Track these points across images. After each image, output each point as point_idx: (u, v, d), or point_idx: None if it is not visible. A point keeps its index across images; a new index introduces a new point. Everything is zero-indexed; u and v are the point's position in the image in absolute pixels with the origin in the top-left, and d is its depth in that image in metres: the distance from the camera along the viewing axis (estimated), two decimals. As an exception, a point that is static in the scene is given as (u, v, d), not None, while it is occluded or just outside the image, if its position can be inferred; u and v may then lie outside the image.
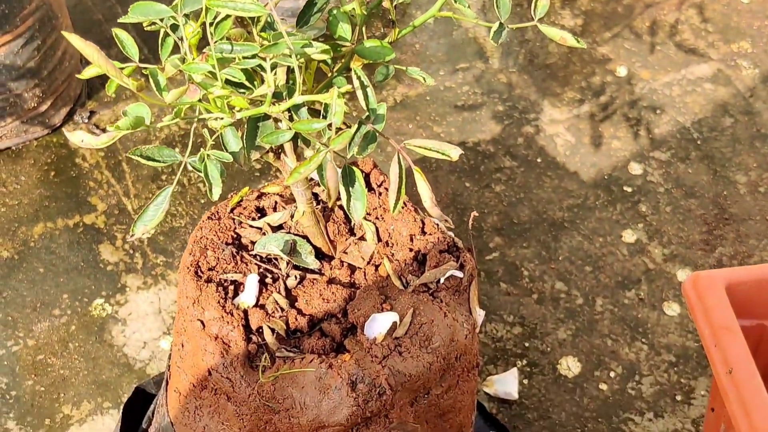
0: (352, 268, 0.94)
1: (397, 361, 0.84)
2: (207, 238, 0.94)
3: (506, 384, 1.23)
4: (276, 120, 0.79)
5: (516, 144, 1.55)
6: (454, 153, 0.75)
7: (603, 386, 1.25)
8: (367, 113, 0.74)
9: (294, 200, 0.98)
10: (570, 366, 1.27)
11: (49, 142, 1.55)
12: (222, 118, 0.75)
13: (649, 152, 1.55)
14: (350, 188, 0.77)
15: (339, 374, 0.83)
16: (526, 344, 1.29)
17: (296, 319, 0.88)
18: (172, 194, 0.78)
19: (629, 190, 1.49)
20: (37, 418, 1.22)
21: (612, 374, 1.26)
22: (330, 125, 0.70)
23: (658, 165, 1.53)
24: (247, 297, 0.89)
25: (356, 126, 0.73)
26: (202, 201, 1.46)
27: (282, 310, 0.89)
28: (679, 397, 1.24)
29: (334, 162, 0.76)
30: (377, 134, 0.72)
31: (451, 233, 0.96)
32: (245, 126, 0.78)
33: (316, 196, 0.98)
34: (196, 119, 0.76)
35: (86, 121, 1.57)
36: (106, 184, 1.49)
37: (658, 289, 1.35)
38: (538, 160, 1.53)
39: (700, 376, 1.26)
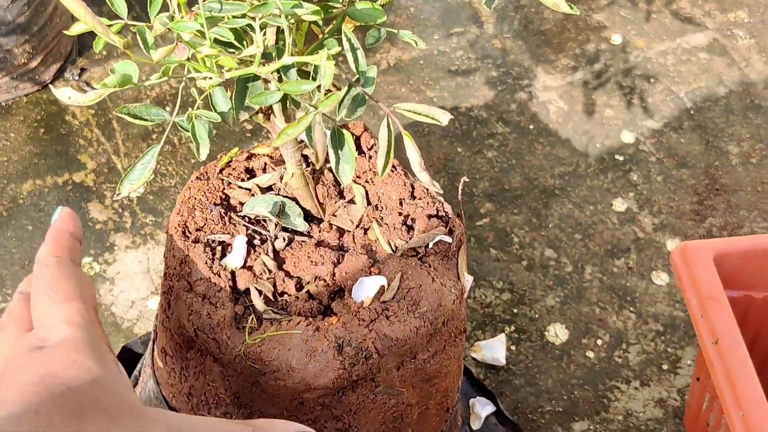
0: (341, 231, 0.94)
1: (384, 325, 0.84)
2: (195, 198, 0.93)
3: (494, 350, 1.23)
4: (266, 81, 0.78)
5: (509, 110, 1.55)
6: (444, 118, 0.74)
7: (590, 354, 1.25)
8: (357, 76, 0.73)
9: (283, 162, 0.98)
10: (558, 333, 1.27)
11: (39, 98, 1.54)
12: (211, 78, 0.74)
13: (641, 121, 1.54)
14: (339, 151, 0.77)
15: (326, 337, 0.83)
16: (515, 310, 1.29)
17: (284, 282, 0.88)
18: (160, 153, 0.77)
19: (621, 158, 1.49)
20: (24, 375, 1.22)
21: (599, 342, 1.26)
22: (319, 87, 0.70)
23: (651, 134, 1.52)
24: (235, 258, 0.89)
25: (345, 88, 0.72)
26: (192, 161, 1.45)
27: (269, 272, 0.89)
28: (665, 366, 1.24)
29: (323, 124, 0.76)
30: (367, 97, 0.71)
31: (440, 198, 0.95)
32: (234, 86, 0.78)
33: (305, 158, 0.98)
34: (184, 78, 0.75)
35: (77, 78, 1.56)
36: (96, 142, 1.48)
37: (647, 259, 1.35)
38: (531, 126, 1.52)
39: (686, 346, 1.26)
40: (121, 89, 0.71)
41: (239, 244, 0.90)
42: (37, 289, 0.69)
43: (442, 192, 0.74)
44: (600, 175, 1.45)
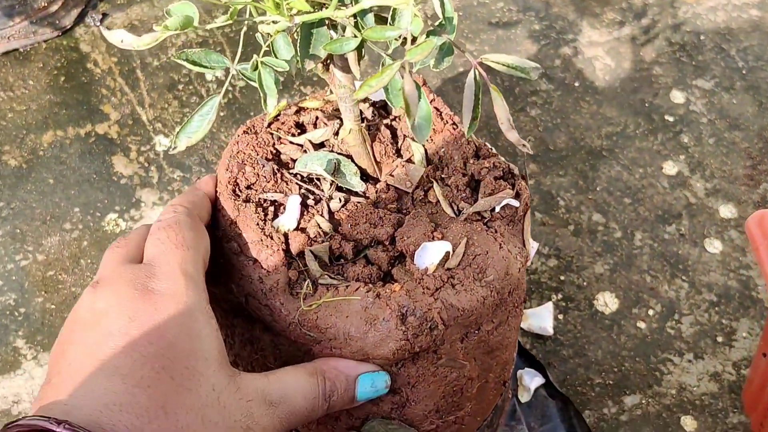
0: (399, 193, 0.88)
1: (450, 294, 0.78)
2: (244, 153, 0.87)
3: (541, 319, 1.17)
4: (331, 27, 0.72)
5: (553, 66, 1.47)
6: (535, 72, 0.67)
7: (641, 324, 1.19)
8: (441, 21, 0.66)
9: (336, 116, 0.91)
10: (607, 302, 1.21)
11: (59, 44, 1.46)
12: (277, 22, 0.67)
13: (692, 80, 1.47)
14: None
15: (388, 305, 0.77)
16: (562, 278, 1.23)
17: (340, 245, 0.82)
18: (218, 104, 0.71)
19: (671, 119, 1.42)
20: (48, 337, 1.16)
21: (650, 312, 1.21)
22: (401, 35, 0.63)
23: (702, 94, 1.45)
24: (288, 219, 0.83)
25: (428, 36, 0.65)
26: (221, 114, 1.38)
27: (325, 234, 0.83)
28: (719, 339, 1.18)
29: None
30: (453, 46, 0.65)
31: (504, 159, 0.89)
32: (298, 33, 0.71)
33: (360, 112, 0.91)
34: (246, 21, 0.68)
35: (98, 24, 1.48)
36: (120, 91, 1.41)
37: (700, 225, 1.29)
38: (576, 84, 1.45)
39: (742, 318, 1.20)
40: (179, 32, 0.65)
41: (293, 204, 0.83)
42: (157, 227, 0.72)
43: (531, 152, 0.67)
44: (649, 136, 1.39)
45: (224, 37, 1.44)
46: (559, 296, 1.21)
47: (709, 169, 1.36)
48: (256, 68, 0.68)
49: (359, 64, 0.73)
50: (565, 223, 1.28)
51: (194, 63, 0.68)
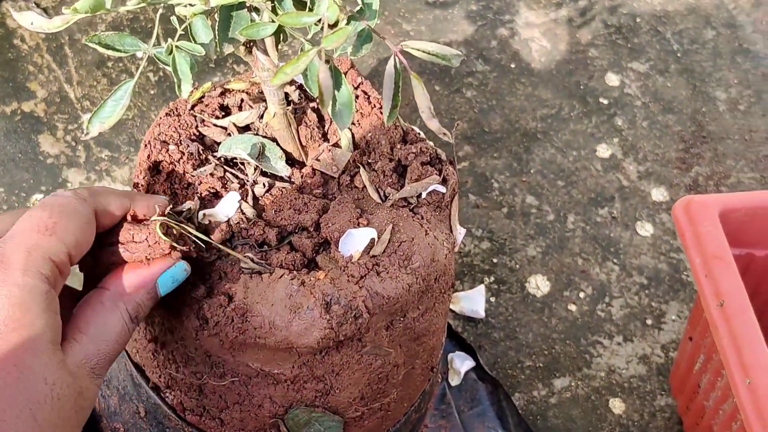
0: (325, 178, 0.86)
1: (375, 282, 0.77)
2: (167, 135, 0.85)
3: (473, 302, 1.17)
4: (252, 10, 0.70)
5: (489, 47, 1.47)
6: (456, 60, 0.66)
7: (572, 307, 1.20)
8: (360, 7, 0.65)
9: (261, 99, 0.89)
10: (539, 285, 1.22)
11: (-16, 19, 1.42)
12: (193, 5, 0.65)
13: (627, 63, 1.47)
14: (336, 92, 0.69)
15: (312, 293, 0.75)
16: (494, 260, 1.23)
17: (264, 231, 0.80)
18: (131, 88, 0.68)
19: (605, 102, 1.42)
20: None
21: (581, 295, 1.21)
22: (319, 20, 0.62)
23: (636, 77, 1.46)
24: (221, 213, 0.81)
25: (347, 22, 0.64)
26: (152, 92, 1.35)
27: (248, 220, 0.81)
28: (649, 321, 1.19)
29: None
30: (373, 33, 0.63)
31: (432, 144, 0.88)
32: (217, 15, 0.69)
33: (286, 95, 0.90)
34: (162, 5, 0.66)
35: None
36: (47, 69, 1.37)
37: (632, 208, 1.30)
38: (512, 65, 1.45)
39: (671, 301, 1.21)
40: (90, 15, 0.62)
41: (231, 200, 0.81)
42: (38, 205, 0.67)
43: (453, 141, 0.66)
44: (584, 118, 1.39)
45: (156, 13, 1.41)
46: (492, 279, 1.21)
47: (642, 152, 1.36)
48: (171, 52, 0.66)
49: (277, 48, 0.71)
50: (498, 206, 1.28)
51: (107, 47, 0.66)
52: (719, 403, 0.96)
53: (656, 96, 1.43)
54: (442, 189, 0.85)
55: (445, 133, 0.66)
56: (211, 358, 0.81)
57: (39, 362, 0.61)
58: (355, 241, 0.80)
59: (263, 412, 0.83)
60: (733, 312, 0.88)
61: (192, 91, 0.90)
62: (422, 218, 0.83)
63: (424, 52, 0.64)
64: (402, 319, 0.82)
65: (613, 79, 1.45)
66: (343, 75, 0.70)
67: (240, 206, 0.82)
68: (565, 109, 1.40)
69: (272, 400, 0.82)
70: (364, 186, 0.85)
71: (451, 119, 1.35)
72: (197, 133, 0.87)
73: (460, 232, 0.91)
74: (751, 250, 0.99)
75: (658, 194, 1.31)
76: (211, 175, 0.83)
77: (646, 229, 1.28)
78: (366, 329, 0.78)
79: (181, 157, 0.83)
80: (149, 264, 0.72)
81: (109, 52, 0.66)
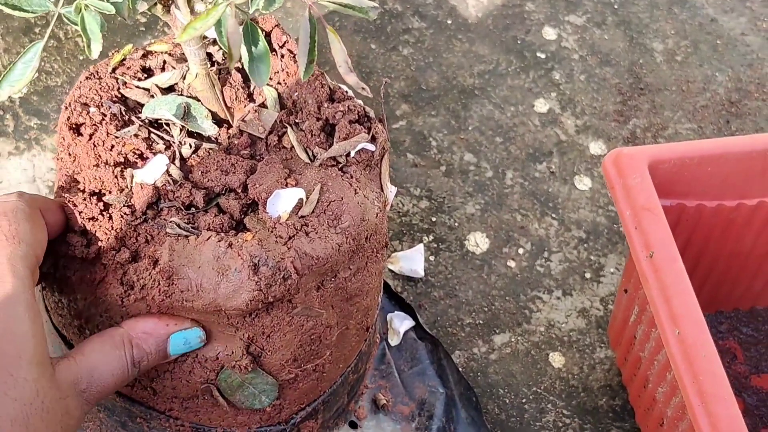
0: (252, 138, 0.85)
1: (303, 243, 0.76)
2: (87, 97, 0.83)
3: (412, 261, 1.17)
4: (165, -34, 0.68)
5: (425, 3, 1.45)
6: (373, 12, 0.65)
7: (511, 263, 1.20)
8: (274, -39, 0.63)
9: (184, 60, 0.87)
10: (478, 242, 1.21)
11: None
12: (101, -39, 0.63)
13: (564, 16, 1.47)
14: (252, 49, 0.68)
15: (240, 255, 0.74)
16: (433, 219, 1.22)
17: (190, 193, 0.79)
18: (44, 50, 0.66)
19: (543, 56, 1.42)
20: None
21: (520, 251, 1.21)
22: (230, -26, 0.60)
23: (573, 30, 1.45)
24: (146, 175, 0.79)
25: (261, -24, 0.63)
26: (81, 57, 1.32)
27: (174, 182, 0.80)
28: (588, 275, 1.20)
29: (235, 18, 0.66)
30: (286, -14, 0.62)
31: (361, 102, 0.87)
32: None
33: (210, 56, 0.88)
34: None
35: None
36: (-28, 35, 1.33)
37: (570, 162, 1.30)
38: (449, 21, 1.43)
39: (610, 254, 1.22)
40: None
41: (159, 162, 0.80)
42: None
43: (371, 96, 0.65)
44: (521, 73, 1.38)
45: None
46: (431, 238, 1.21)
47: (580, 106, 1.36)
48: (80, 11, 0.64)
49: (191, 5, 0.69)
50: (437, 164, 1.27)
51: (14, 7, 0.64)
52: (654, 354, 0.97)
53: (593, 49, 1.43)
54: (371, 147, 0.84)
55: (363, 88, 0.65)
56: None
57: (31, 373, 0.61)
58: (283, 202, 0.79)
59: (194, 378, 0.82)
60: (663, 263, 0.88)
61: (112, 53, 0.88)
62: (351, 177, 0.82)
63: (338, 4, 0.63)
64: (333, 279, 0.81)
65: (550, 33, 1.44)
66: (259, 30, 0.68)
67: (167, 168, 0.80)
68: (502, 64, 1.39)
69: (202, 365, 0.81)
70: (292, 146, 0.84)
71: (388, 77, 1.33)
72: (119, 96, 0.84)
73: (391, 191, 0.90)
74: (682, 200, 0.99)
75: (596, 148, 1.32)
76: (136, 136, 0.81)
77: (584, 183, 1.28)
78: (296, 290, 0.78)
79: (103, 119, 0.81)
80: (168, 320, 0.75)
81: (16, 13, 0.64)
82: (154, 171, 0.80)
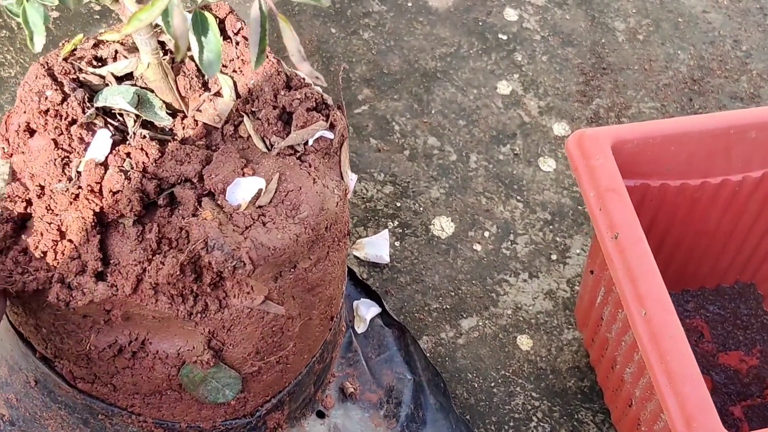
0: (208, 128, 0.83)
1: (260, 233, 0.75)
2: (40, 86, 0.80)
3: (377, 247, 1.16)
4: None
5: (385, -14, 1.44)
6: (325, 0, 0.64)
7: (477, 247, 1.19)
8: (221, -53, 0.62)
9: (137, 49, 0.85)
10: (443, 226, 1.20)
11: None
12: (41, -50, 0.61)
13: (525, -3, 1.46)
14: (202, 38, 0.66)
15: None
16: (398, 204, 1.21)
17: (142, 183, 0.77)
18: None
19: (504, 38, 1.41)
20: None
21: (486, 234, 1.20)
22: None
23: (535, 11, 1.44)
24: (95, 152, 0.77)
25: (208, -38, 0.61)
26: (36, 47, 1.30)
27: (126, 173, 0.78)
28: (554, 257, 1.19)
29: (183, 6, 0.64)
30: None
31: (319, 89, 0.85)
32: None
33: (162, 44, 0.86)
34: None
35: None
36: None
37: (534, 144, 1.29)
38: (409, 4, 1.42)
39: (575, 234, 1.21)
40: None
41: (102, 137, 0.78)
42: None
43: (325, 85, 0.64)
44: (483, 55, 1.37)
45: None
46: (396, 223, 1.20)
47: (543, 87, 1.35)
48: (22, 3, 0.62)
49: (135, -5, 0.67)
50: (400, 149, 1.26)
51: (-49, -2, 0.62)
52: (621, 335, 0.96)
53: (555, 29, 1.42)
54: (329, 135, 0.82)
55: (317, 77, 0.63)
56: (90, 321, 0.77)
57: None
58: (243, 190, 0.77)
59: (155, 374, 0.81)
60: (628, 244, 0.87)
61: (62, 44, 0.85)
62: (310, 166, 0.80)
63: (289, -9, 0.61)
64: (292, 270, 0.80)
65: (511, 14, 1.43)
66: (211, 19, 0.67)
67: (118, 153, 0.78)
68: (464, 46, 1.38)
69: (163, 362, 0.79)
70: (249, 135, 0.82)
71: (349, 62, 1.32)
72: (72, 86, 0.82)
73: (352, 179, 0.89)
74: (646, 180, 0.99)
75: (560, 129, 1.31)
76: (92, 124, 0.79)
77: (548, 164, 1.27)
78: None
79: (63, 101, 0.79)
80: None
81: (-46, 5, 0.62)
82: (101, 148, 0.78)
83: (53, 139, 0.78)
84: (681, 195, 1.02)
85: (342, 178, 0.84)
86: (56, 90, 0.80)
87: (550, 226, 1.22)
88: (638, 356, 0.92)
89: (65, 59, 0.84)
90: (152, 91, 0.83)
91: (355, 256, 1.16)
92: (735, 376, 1.12)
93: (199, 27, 0.65)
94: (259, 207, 0.77)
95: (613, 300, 0.97)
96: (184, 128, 0.82)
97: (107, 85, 0.83)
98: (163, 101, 0.83)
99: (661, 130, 0.96)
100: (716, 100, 1.36)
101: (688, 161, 0.99)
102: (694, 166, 1.00)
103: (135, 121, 0.81)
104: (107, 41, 0.87)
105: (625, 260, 0.87)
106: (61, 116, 0.79)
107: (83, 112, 0.79)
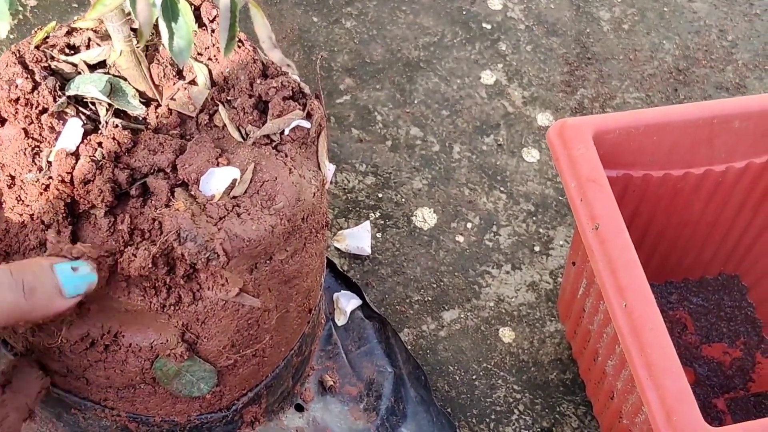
0: (182, 117, 0.82)
1: (234, 224, 0.74)
2: (10, 74, 0.79)
3: (358, 238, 1.14)
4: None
5: (368, -25, 1.42)
6: (298, -18, 0.62)
7: (459, 238, 1.18)
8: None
9: (110, 36, 0.84)
10: (425, 217, 1.19)
11: None
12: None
13: (509, -14, 1.44)
14: (172, 24, 0.64)
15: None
16: (380, 195, 1.20)
17: (114, 173, 0.76)
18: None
19: (488, 27, 1.39)
20: None
21: (469, 225, 1.19)
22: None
23: (519, 0, 1.43)
24: (66, 142, 0.76)
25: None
26: (11, 36, 1.28)
27: (97, 162, 0.76)
28: (537, 248, 1.18)
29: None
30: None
31: (296, 77, 0.84)
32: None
33: (136, 32, 0.84)
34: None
35: None
36: None
37: (518, 134, 1.28)
38: (393, -7, 1.41)
39: (558, 226, 1.20)
40: None
41: (73, 126, 0.76)
42: None
43: (297, 73, 0.63)
44: (467, 45, 1.36)
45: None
46: (377, 214, 1.18)
47: (527, 77, 1.34)
48: (-15, -13, 0.60)
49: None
50: (382, 139, 1.25)
51: None
52: (603, 327, 0.95)
53: (540, 19, 1.41)
54: (306, 124, 0.81)
55: (288, 65, 0.62)
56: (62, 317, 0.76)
57: None
58: (217, 180, 0.76)
59: (128, 368, 0.79)
60: (608, 235, 0.86)
61: (35, 31, 0.84)
62: (286, 156, 0.79)
63: (260, -23, 0.60)
64: (268, 262, 0.79)
65: (495, 3, 1.42)
66: (182, 5, 0.65)
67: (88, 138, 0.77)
68: (447, 36, 1.37)
69: (136, 355, 0.78)
70: (224, 125, 0.81)
71: (331, 51, 1.30)
72: (44, 73, 0.81)
73: (329, 169, 0.87)
74: (628, 171, 0.98)
75: (544, 119, 1.30)
76: (63, 113, 0.78)
77: (532, 155, 1.26)
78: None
79: (34, 89, 0.77)
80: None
81: None
82: (73, 136, 0.77)
83: (23, 129, 0.77)
84: (664, 185, 1.01)
85: (319, 169, 0.82)
86: (27, 78, 0.78)
87: (534, 218, 1.21)
88: (619, 348, 0.91)
89: (37, 47, 0.83)
90: (125, 80, 0.81)
91: (336, 248, 1.14)
92: (718, 368, 1.11)
93: (169, 12, 0.64)
94: (234, 197, 0.76)
95: (595, 292, 0.96)
96: (157, 117, 0.81)
97: (80, 73, 0.81)
98: (137, 90, 0.81)
99: (643, 120, 0.95)
100: (701, 91, 1.35)
101: (670, 151, 0.98)
102: (677, 157, 0.99)
103: (107, 110, 0.80)
104: (80, 29, 0.85)
105: (605, 251, 0.86)
106: (31, 105, 0.77)
107: (54, 100, 0.78)
